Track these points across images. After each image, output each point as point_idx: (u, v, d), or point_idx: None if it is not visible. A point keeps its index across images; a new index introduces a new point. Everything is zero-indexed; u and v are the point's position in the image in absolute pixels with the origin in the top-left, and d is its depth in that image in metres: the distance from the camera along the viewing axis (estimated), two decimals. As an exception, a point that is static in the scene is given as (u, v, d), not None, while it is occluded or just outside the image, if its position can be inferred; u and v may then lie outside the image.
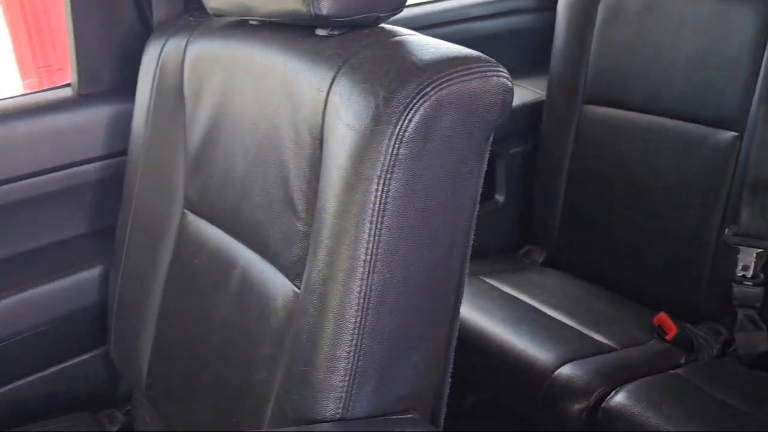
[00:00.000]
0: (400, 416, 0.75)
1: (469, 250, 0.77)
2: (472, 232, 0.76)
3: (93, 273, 1.19)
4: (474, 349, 1.26)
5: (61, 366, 1.19)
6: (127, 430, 1.16)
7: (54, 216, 1.20)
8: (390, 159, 0.66)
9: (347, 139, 0.68)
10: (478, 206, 0.76)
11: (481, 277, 1.48)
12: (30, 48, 2.83)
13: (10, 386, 1.16)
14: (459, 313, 0.79)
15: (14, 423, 1.14)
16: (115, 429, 1.15)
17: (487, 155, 0.75)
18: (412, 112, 0.65)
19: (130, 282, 1.11)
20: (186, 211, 1.03)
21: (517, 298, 1.41)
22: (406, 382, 0.75)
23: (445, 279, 0.74)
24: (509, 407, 1.30)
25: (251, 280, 0.87)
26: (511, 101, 0.73)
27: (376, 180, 0.66)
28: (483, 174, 0.75)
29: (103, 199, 1.21)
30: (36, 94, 1.20)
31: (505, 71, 0.72)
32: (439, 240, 0.71)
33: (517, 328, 1.27)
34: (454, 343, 0.80)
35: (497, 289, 1.45)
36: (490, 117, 0.71)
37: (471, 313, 1.33)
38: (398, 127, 0.65)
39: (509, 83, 0.72)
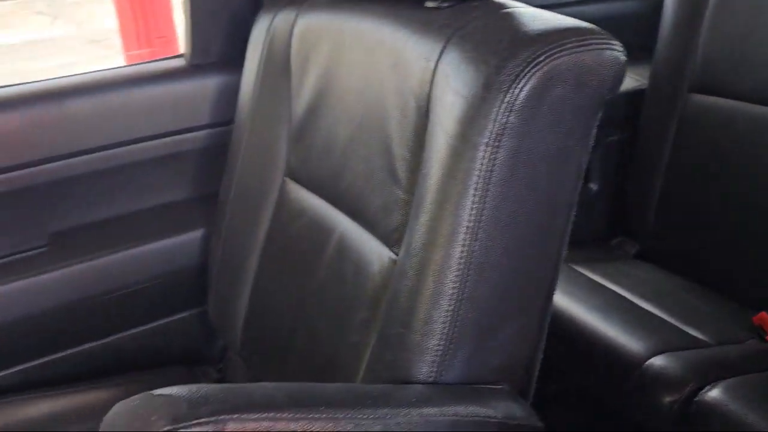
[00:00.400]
0: (491, 386, 0.75)
1: (570, 226, 0.76)
2: (574, 208, 0.75)
3: (195, 235, 1.24)
4: (561, 334, 1.24)
5: (162, 322, 1.26)
6: (220, 387, 1.22)
7: (162, 180, 1.26)
8: (499, 127, 0.66)
9: (456, 106, 0.68)
10: (581, 182, 0.75)
11: (571, 265, 1.46)
12: (134, 21, 2.99)
13: (113, 337, 1.23)
14: (555, 289, 0.78)
15: (115, 371, 1.22)
16: None
17: (595, 131, 0.74)
18: (524, 81, 0.65)
19: (230, 245, 1.16)
20: (287, 178, 1.06)
21: (608, 288, 1.38)
22: (500, 353, 0.75)
23: (544, 252, 0.74)
24: (595, 396, 1.28)
25: (348, 247, 0.90)
26: (623, 76, 0.72)
27: (483, 147, 0.67)
28: (589, 149, 0.74)
29: (208, 166, 1.26)
30: (151, 63, 1.26)
31: (620, 45, 0.71)
32: (541, 211, 0.71)
33: (607, 316, 1.25)
34: (548, 319, 0.80)
35: (587, 277, 1.42)
36: (602, 90, 0.70)
37: (559, 298, 1.32)
38: (509, 95, 0.65)
39: (623, 57, 0.71)
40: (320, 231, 0.96)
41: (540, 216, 0.71)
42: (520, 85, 0.65)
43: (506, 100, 0.65)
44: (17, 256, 1.17)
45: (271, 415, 0.57)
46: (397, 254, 0.79)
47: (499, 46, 0.67)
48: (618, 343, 1.18)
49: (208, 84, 1.23)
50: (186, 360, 1.27)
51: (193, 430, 0.53)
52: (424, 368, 0.71)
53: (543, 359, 0.81)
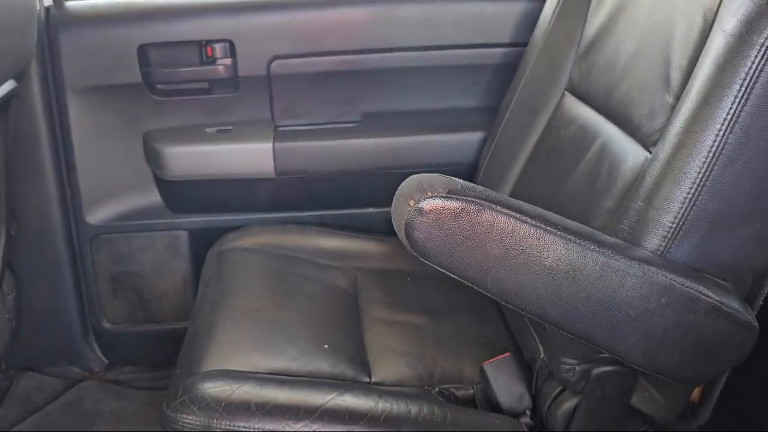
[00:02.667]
0: (716, 279, 0.81)
1: None
2: None
3: (473, 137, 1.43)
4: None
5: None
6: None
7: (457, 85, 1.47)
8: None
9: (742, 8, 0.75)
10: None
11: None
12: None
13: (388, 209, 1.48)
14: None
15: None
16: None
17: None
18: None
19: (501, 149, 1.32)
20: (566, 92, 1.19)
21: None
22: (730, 252, 0.81)
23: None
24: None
25: (608, 149, 1.00)
26: None
27: (758, 47, 0.73)
28: None
29: (498, 81, 1.44)
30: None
31: None
32: None
33: None
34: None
35: None
36: None
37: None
38: None
39: None
40: (586, 137, 1.08)
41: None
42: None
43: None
44: (336, 125, 1.48)
45: (518, 215, 0.72)
46: (651, 152, 0.88)
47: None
48: None
49: (515, 7, 1.40)
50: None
51: (459, 199, 0.70)
52: (655, 241, 0.80)
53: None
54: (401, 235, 0.74)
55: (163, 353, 1.44)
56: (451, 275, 0.76)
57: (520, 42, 1.38)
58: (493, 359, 1.02)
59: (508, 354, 1.03)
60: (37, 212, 1.43)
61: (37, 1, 1.26)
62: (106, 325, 1.56)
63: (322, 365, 1.02)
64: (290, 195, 1.48)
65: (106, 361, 1.61)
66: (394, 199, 0.76)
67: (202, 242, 1.45)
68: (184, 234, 1.51)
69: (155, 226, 1.51)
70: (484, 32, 1.41)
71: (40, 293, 1.50)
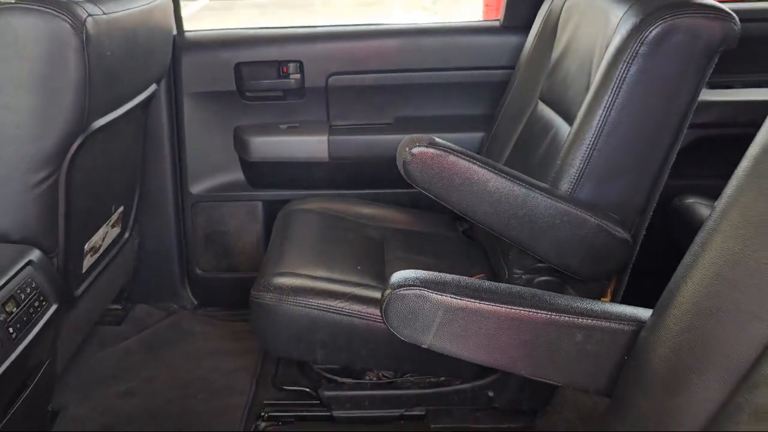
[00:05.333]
0: (607, 211, 1.27)
1: (680, 137, 1.23)
2: (683, 131, 1.23)
3: (476, 135, 1.91)
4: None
5: None
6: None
7: (462, 97, 1.96)
8: (632, 53, 1.18)
9: (617, 36, 1.22)
10: (690, 116, 1.22)
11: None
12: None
13: (401, 190, 1.97)
14: (664, 175, 1.26)
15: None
16: None
17: (705, 79, 1.20)
18: (652, 28, 1.17)
19: (496, 141, 1.80)
20: (539, 100, 1.66)
21: None
22: (617, 194, 1.26)
23: (659, 134, 1.22)
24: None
25: (557, 134, 1.47)
26: (734, 38, 1.17)
27: (623, 62, 1.19)
28: (698, 92, 1.20)
29: (493, 94, 1.92)
30: (476, 22, 1.97)
31: (733, 17, 1.16)
32: (658, 110, 1.20)
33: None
34: (659, 189, 1.27)
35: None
36: (711, 46, 1.17)
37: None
38: (642, 33, 1.17)
39: (735, 27, 1.16)
40: (546, 129, 1.54)
41: (656, 114, 1.21)
42: (650, 29, 1.17)
43: (639, 37, 1.17)
44: (374, 125, 1.98)
45: (471, 161, 1.21)
46: (571, 125, 1.34)
47: (647, 8, 1.19)
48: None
49: (507, 40, 1.89)
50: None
51: (435, 147, 1.19)
52: (565, 185, 1.26)
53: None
54: (401, 169, 1.23)
55: (240, 296, 1.90)
56: (431, 196, 1.24)
57: (509, 65, 1.87)
58: (473, 277, 1.48)
59: (482, 274, 1.50)
60: (156, 183, 1.98)
61: (173, 30, 1.82)
62: (198, 272, 2.09)
63: (354, 276, 1.50)
64: (339, 175, 1.99)
65: (195, 301, 2.12)
66: (398, 147, 1.25)
67: (273, 210, 1.96)
68: (259, 204, 2.04)
69: (239, 197, 2.03)
70: (484, 58, 1.91)
71: (153, 244, 2.03)
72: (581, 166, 1.25)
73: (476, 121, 1.96)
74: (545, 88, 1.64)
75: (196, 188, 2.02)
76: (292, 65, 1.93)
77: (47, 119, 1.24)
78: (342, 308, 1.37)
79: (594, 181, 1.26)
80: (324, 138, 1.94)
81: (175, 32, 1.90)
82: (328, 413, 1.58)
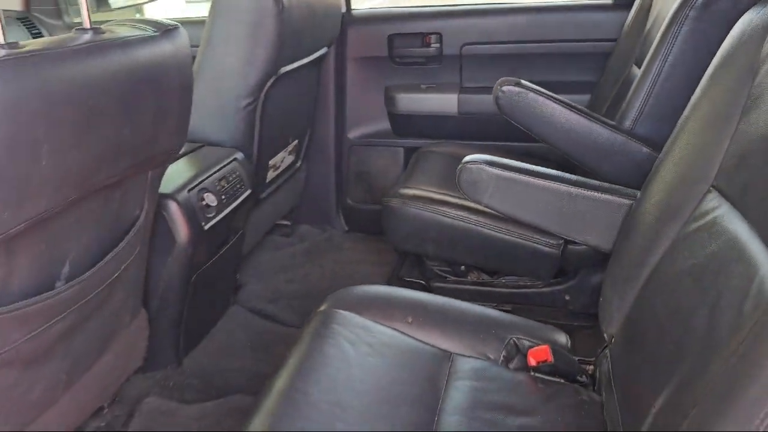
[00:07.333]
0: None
1: None
2: None
3: (584, 98, 2.26)
4: None
5: None
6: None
7: (574, 67, 2.31)
8: (681, 17, 1.50)
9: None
10: None
11: None
12: None
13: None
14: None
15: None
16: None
17: None
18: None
19: (597, 101, 2.14)
20: (633, 65, 1.99)
21: None
22: (671, 132, 1.59)
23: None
24: None
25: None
26: None
27: (674, 27, 1.52)
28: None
29: (598, 64, 2.25)
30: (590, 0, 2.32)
31: None
32: (698, 68, 1.51)
33: None
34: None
35: None
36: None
37: None
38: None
39: None
40: (631, 85, 1.87)
41: (702, 67, 1.51)
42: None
43: (690, 3, 1.49)
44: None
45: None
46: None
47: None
48: None
49: (616, 15, 2.21)
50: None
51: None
52: (627, 122, 1.60)
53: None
54: (494, 103, 1.64)
55: (380, 224, 2.42)
56: (517, 125, 1.64)
57: (614, 38, 2.20)
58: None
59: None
60: (321, 128, 2.53)
61: (343, 6, 2.37)
62: (349, 202, 2.62)
63: (460, 197, 1.93)
64: (465, 128, 2.43)
65: (346, 227, 2.66)
66: (494, 86, 1.66)
67: (411, 155, 2.44)
68: (401, 150, 2.53)
69: (385, 143, 2.54)
70: (595, 31, 2.26)
71: (316, 176, 2.59)
72: (640, 106, 1.59)
73: (584, 86, 2.30)
74: (638, 53, 1.96)
75: (353, 134, 2.55)
76: (433, 36, 2.40)
77: (253, 63, 1.80)
78: (447, 212, 1.81)
79: (650, 120, 1.59)
80: (455, 96, 2.39)
81: (344, 9, 2.44)
82: (437, 303, 2.03)
